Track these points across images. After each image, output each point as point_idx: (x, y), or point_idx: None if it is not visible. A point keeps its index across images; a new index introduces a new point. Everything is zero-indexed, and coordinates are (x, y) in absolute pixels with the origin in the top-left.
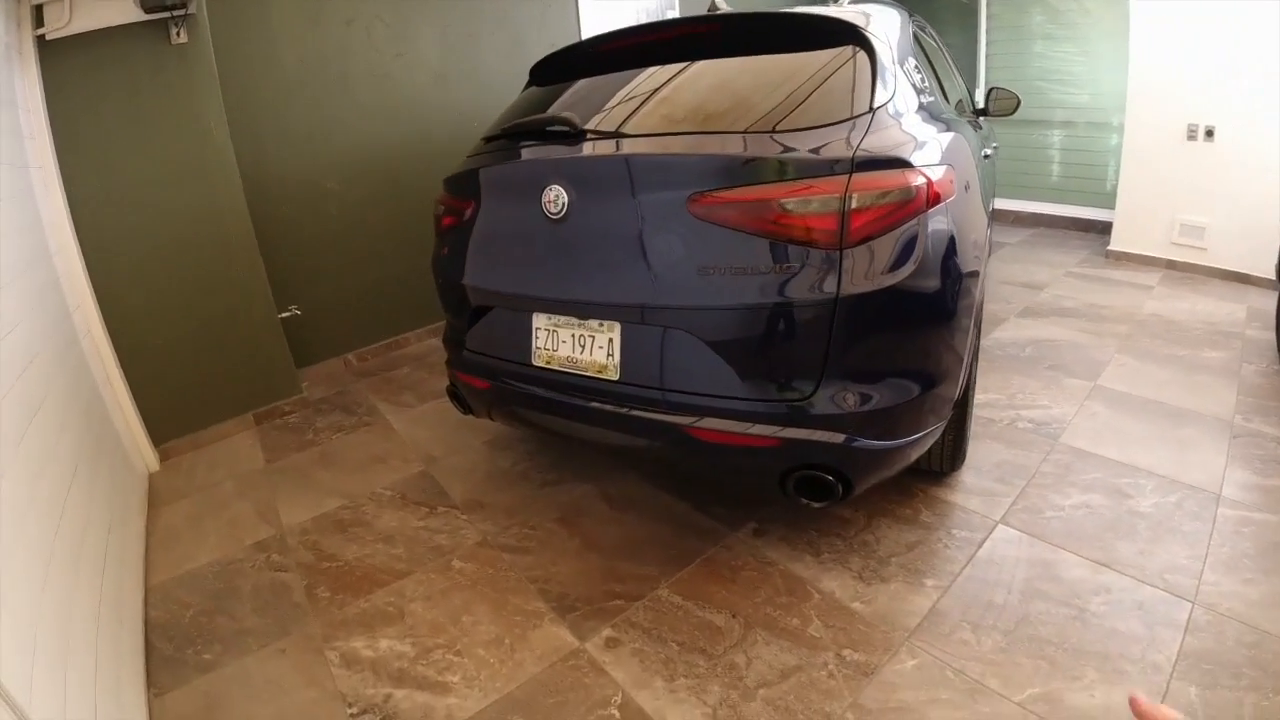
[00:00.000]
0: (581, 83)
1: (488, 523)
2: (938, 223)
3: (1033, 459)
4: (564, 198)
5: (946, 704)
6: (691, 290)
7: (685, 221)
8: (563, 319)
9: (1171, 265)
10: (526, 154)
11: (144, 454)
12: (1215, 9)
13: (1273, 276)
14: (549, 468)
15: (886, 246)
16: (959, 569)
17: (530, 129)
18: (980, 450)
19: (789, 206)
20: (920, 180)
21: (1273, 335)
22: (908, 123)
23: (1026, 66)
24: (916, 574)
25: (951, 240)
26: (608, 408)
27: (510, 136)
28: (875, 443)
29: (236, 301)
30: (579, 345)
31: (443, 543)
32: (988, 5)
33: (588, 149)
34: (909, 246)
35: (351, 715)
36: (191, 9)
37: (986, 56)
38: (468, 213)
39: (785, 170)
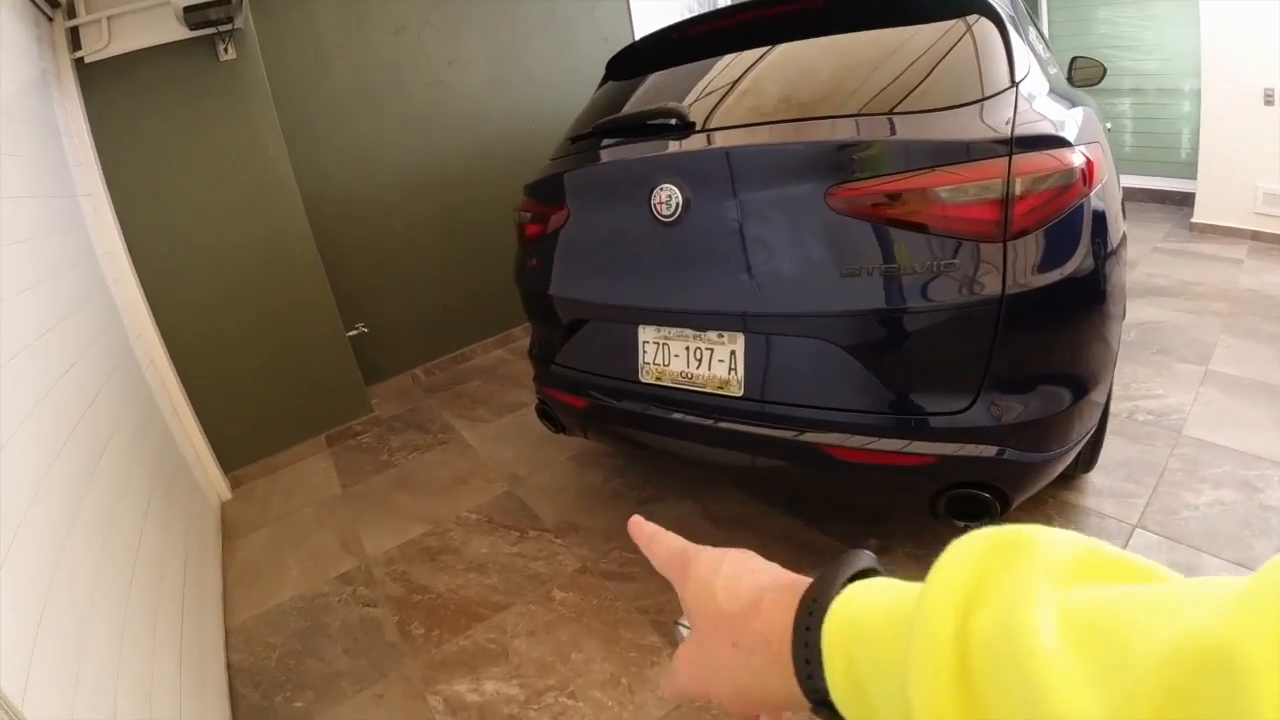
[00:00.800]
0: (666, 73)
1: (585, 547)
2: (1096, 206)
3: (1159, 454)
4: (677, 198)
5: None
6: (831, 295)
7: (823, 217)
8: (675, 331)
9: (1257, 236)
10: (627, 152)
11: (215, 483)
12: None
13: None
14: (643, 484)
15: (1052, 236)
16: None
17: (630, 124)
18: (1106, 447)
19: (945, 195)
20: (1080, 160)
21: None
22: (1048, 99)
23: (1090, 34)
24: None
25: (1107, 226)
26: (730, 426)
27: (604, 134)
28: (1031, 454)
29: (303, 323)
30: (695, 359)
31: (540, 570)
32: None
33: (700, 142)
34: (1073, 235)
35: None
36: (239, 23)
37: (1049, 25)
38: (557, 219)
39: (939, 155)
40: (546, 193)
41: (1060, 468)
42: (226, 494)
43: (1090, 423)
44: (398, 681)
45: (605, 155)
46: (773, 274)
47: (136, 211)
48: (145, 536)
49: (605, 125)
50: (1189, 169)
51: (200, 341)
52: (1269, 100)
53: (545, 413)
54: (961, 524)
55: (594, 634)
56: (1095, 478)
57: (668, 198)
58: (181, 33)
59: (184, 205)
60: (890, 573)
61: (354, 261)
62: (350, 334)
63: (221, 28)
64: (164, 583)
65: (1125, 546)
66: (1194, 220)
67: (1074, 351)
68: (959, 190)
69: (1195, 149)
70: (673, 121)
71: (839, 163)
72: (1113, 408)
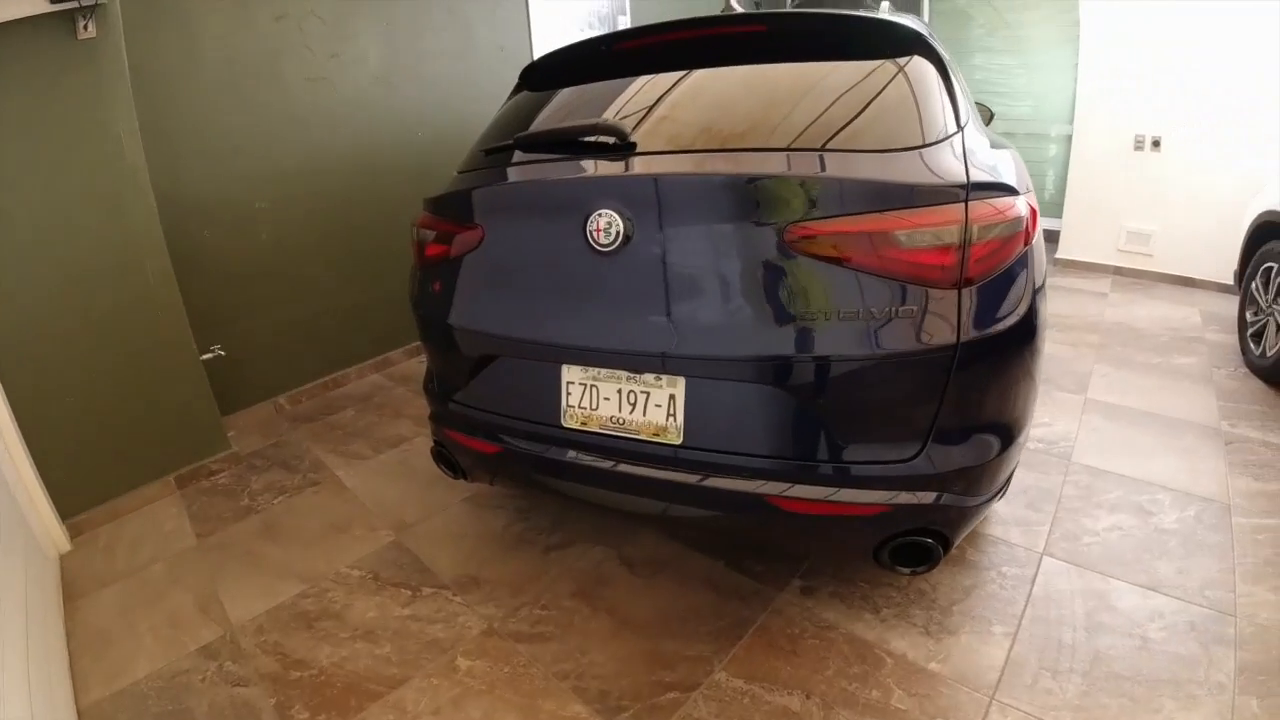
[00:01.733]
0: (589, 87)
1: (490, 604)
2: (1034, 256)
3: (1054, 481)
4: (618, 225)
5: None
6: (783, 339)
7: (779, 256)
8: (605, 372)
9: (1119, 271)
10: (555, 171)
11: (52, 532)
12: (1164, 24)
13: (1219, 280)
14: (551, 528)
15: (1002, 284)
16: (1021, 610)
17: (561, 139)
18: None
19: (904, 239)
20: (1025, 209)
21: (1232, 338)
22: (988, 145)
23: (967, 80)
24: (982, 621)
25: (1041, 274)
26: (667, 476)
27: (526, 148)
28: (967, 499)
29: (152, 344)
30: (628, 403)
31: (440, 635)
32: (927, 19)
33: (648, 166)
34: (1019, 282)
35: None
36: None
37: None
38: (467, 240)
39: (898, 197)
40: (454, 209)
41: (990, 507)
42: (65, 545)
43: (1017, 460)
44: None
45: (527, 172)
46: (719, 313)
47: None
48: None
49: (531, 138)
50: (1054, 208)
51: (33, 365)
52: (1139, 146)
53: (443, 456)
54: (907, 571)
55: (509, 707)
56: (1000, 506)
57: (606, 224)
58: (40, 6)
59: (19, 201)
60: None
61: (212, 274)
62: (205, 357)
63: (84, 2)
64: (4, 655)
65: (1035, 574)
66: (1058, 256)
67: (1011, 394)
68: (918, 234)
69: (1061, 190)
70: (612, 140)
71: (796, 200)
72: None
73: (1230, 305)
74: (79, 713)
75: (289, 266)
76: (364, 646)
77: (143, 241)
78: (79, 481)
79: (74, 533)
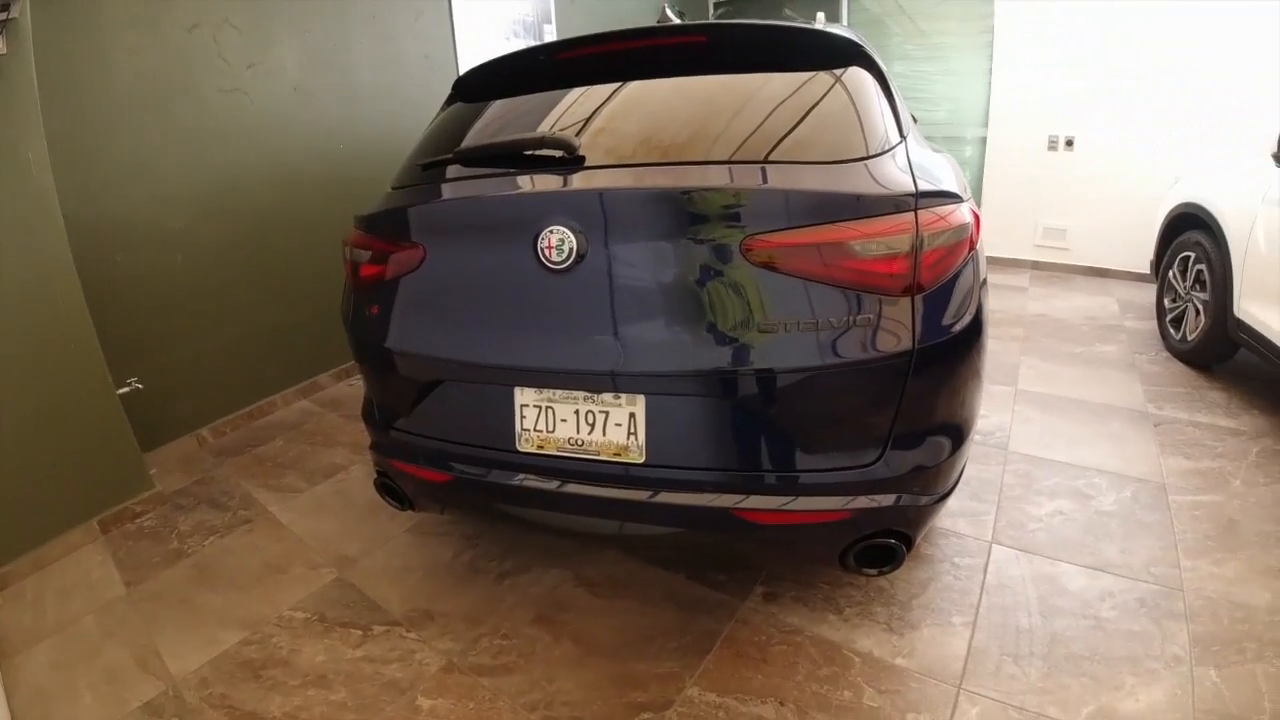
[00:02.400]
0: (525, 99)
1: (447, 638)
2: (979, 260)
3: (994, 471)
4: (571, 242)
5: None
6: (743, 352)
7: (736, 270)
8: (561, 393)
9: (1036, 265)
10: (500, 186)
11: None
12: (1075, 27)
13: (1133, 270)
14: (503, 554)
15: (951, 290)
16: (977, 599)
17: (504, 153)
18: None
19: (858, 249)
20: (969, 214)
21: (1151, 325)
22: (926, 151)
23: None
24: (941, 613)
25: (983, 278)
26: (630, 496)
27: (468, 162)
28: (924, 497)
29: (65, 379)
30: (586, 424)
31: (397, 675)
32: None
33: (599, 181)
34: (967, 288)
35: None
36: (14, 12)
37: None
38: (405, 260)
39: (847, 207)
40: (390, 227)
41: (945, 503)
42: None
43: (967, 456)
44: None
45: (469, 187)
46: (678, 329)
47: None
48: None
49: (473, 152)
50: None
51: None
52: (1053, 146)
53: (388, 488)
54: (874, 572)
55: None
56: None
57: (559, 241)
58: None
59: None
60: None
61: (126, 301)
62: (122, 391)
63: None
64: None
65: (986, 562)
66: None
67: (962, 393)
68: (871, 244)
69: (977, 190)
70: (559, 154)
71: (750, 212)
72: None
73: (1145, 293)
74: None
75: (207, 290)
76: (317, 693)
77: (52, 268)
78: (1, 531)
79: (2, 584)
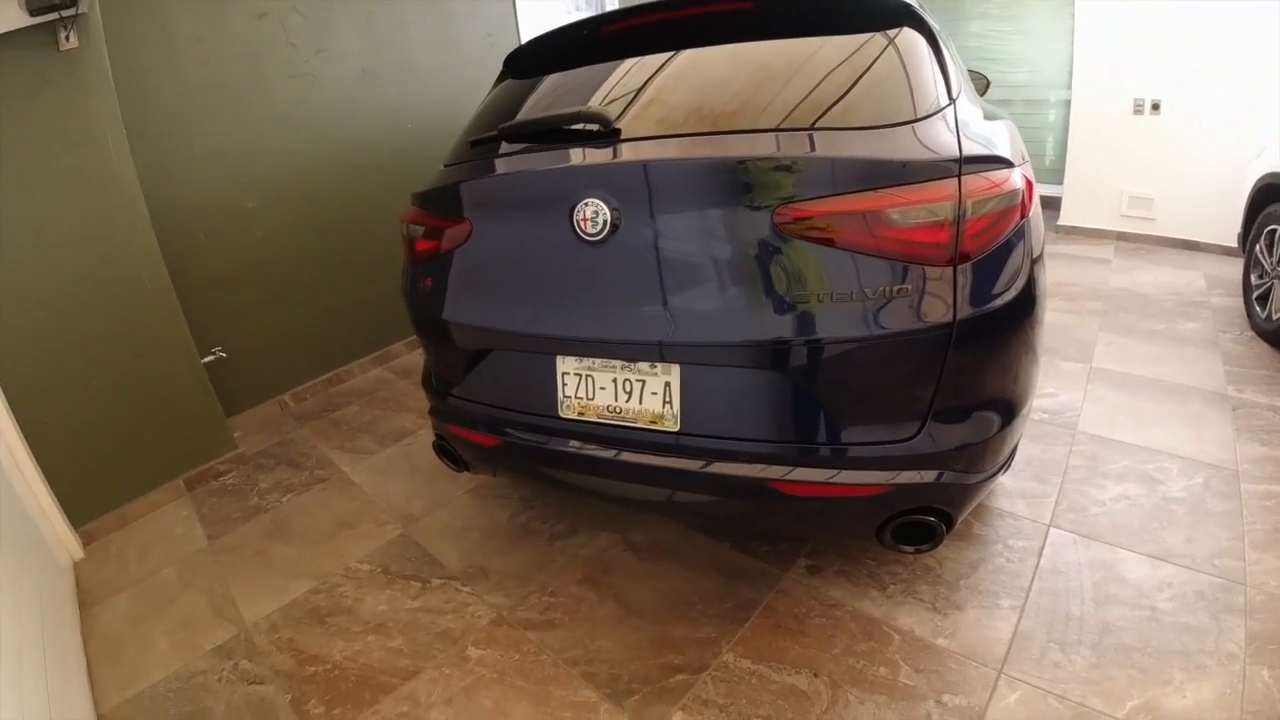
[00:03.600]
0: (575, 73)
1: (499, 594)
2: (1032, 228)
3: (1060, 452)
4: (605, 214)
5: None
6: (778, 323)
7: (769, 239)
8: (600, 362)
9: (1122, 237)
10: (540, 161)
11: (65, 541)
12: None
13: (1222, 243)
14: (556, 517)
15: (998, 258)
16: (1028, 583)
17: (545, 128)
18: None
19: (894, 217)
20: (1021, 181)
21: (1238, 301)
22: (981, 116)
23: (963, 47)
24: (989, 595)
25: (1039, 245)
26: (665, 463)
27: (510, 138)
28: (969, 475)
29: (152, 350)
30: (624, 392)
31: (450, 626)
32: None
33: (630, 153)
34: (1016, 257)
35: None
36: (83, 8)
37: None
38: (455, 235)
39: (887, 173)
40: (441, 203)
41: (994, 483)
42: (79, 552)
43: (1019, 435)
44: None
45: (513, 163)
46: (711, 299)
47: None
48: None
49: (515, 128)
50: (1054, 175)
51: (36, 378)
52: (1139, 110)
53: (445, 450)
54: (910, 549)
55: (521, 695)
56: (1005, 479)
57: (593, 214)
58: (20, 20)
59: (12, 218)
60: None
61: (207, 276)
62: (206, 360)
63: (65, 13)
64: (24, 665)
65: (1042, 547)
66: (1060, 223)
67: (1012, 369)
68: (911, 212)
69: (1061, 156)
70: (595, 127)
71: (786, 181)
72: None
73: (1234, 268)
74: (98, 718)
75: (284, 265)
76: (376, 639)
77: (136, 248)
78: (89, 490)
79: (86, 540)
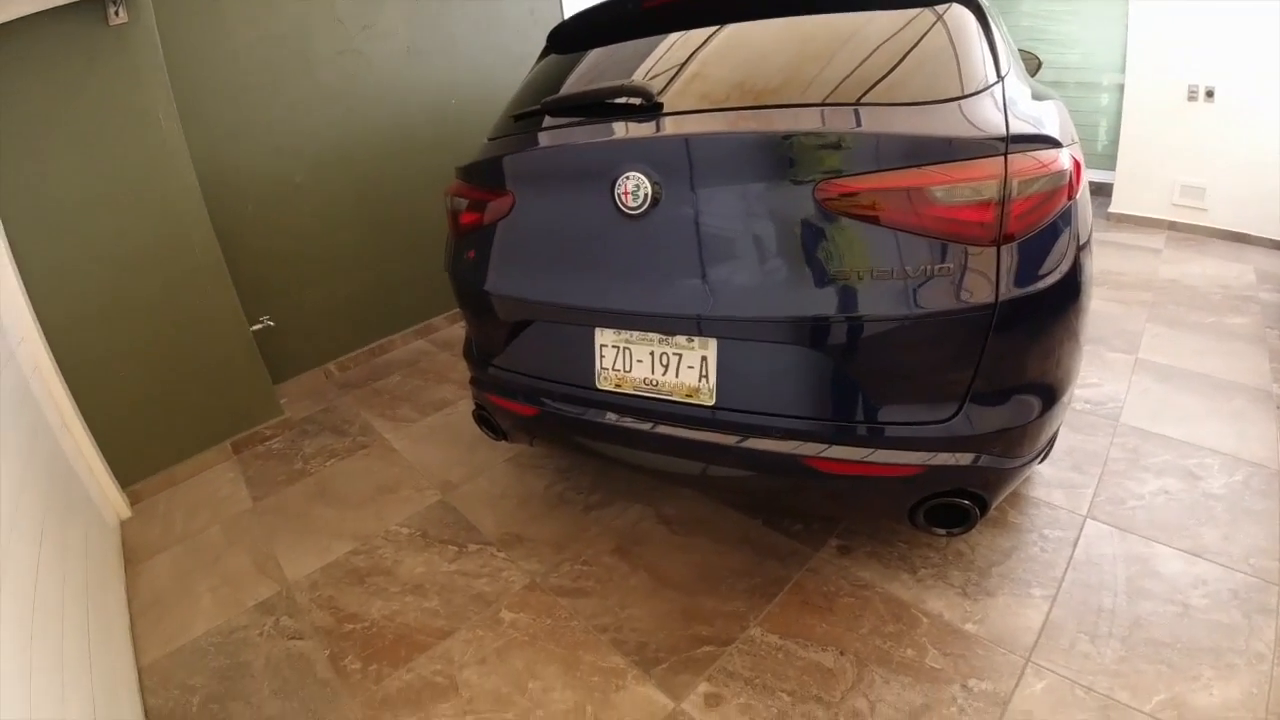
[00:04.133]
0: (618, 48)
1: (533, 560)
2: (1079, 210)
3: (1100, 443)
4: (645, 187)
5: None
6: (815, 299)
7: (810, 215)
8: (637, 335)
9: (1173, 227)
10: (582, 134)
11: (113, 500)
12: None
13: (1274, 237)
14: (590, 488)
15: (1043, 240)
16: (1061, 573)
17: (587, 102)
18: None
19: (940, 195)
20: (1069, 162)
21: None
22: (1030, 95)
23: (1014, 26)
24: (1021, 584)
25: (1084, 222)
26: (700, 437)
27: (553, 112)
28: (1006, 460)
29: (202, 318)
30: (660, 365)
31: (484, 589)
32: None
33: (672, 127)
34: (1062, 239)
35: None
36: None
37: None
38: (498, 207)
39: (935, 151)
40: (485, 176)
41: (1031, 469)
42: (126, 512)
43: (1059, 422)
44: None
45: (555, 137)
46: (750, 274)
47: (14, 198)
48: (42, 569)
49: (558, 102)
50: (1107, 160)
51: (88, 343)
52: (1193, 97)
53: (484, 419)
54: (943, 532)
55: (551, 658)
56: (1043, 468)
57: (634, 187)
58: None
59: (67, 189)
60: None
61: (256, 248)
62: (255, 328)
63: None
64: (66, 620)
65: (1077, 538)
66: (1111, 210)
67: (1053, 355)
68: (956, 190)
69: (1113, 141)
70: (638, 101)
71: (829, 156)
72: None
73: None
74: (140, 671)
75: (331, 238)
76: (413, 600)
77: (187, 219)
78: (137, 451)
79: (133, 500)
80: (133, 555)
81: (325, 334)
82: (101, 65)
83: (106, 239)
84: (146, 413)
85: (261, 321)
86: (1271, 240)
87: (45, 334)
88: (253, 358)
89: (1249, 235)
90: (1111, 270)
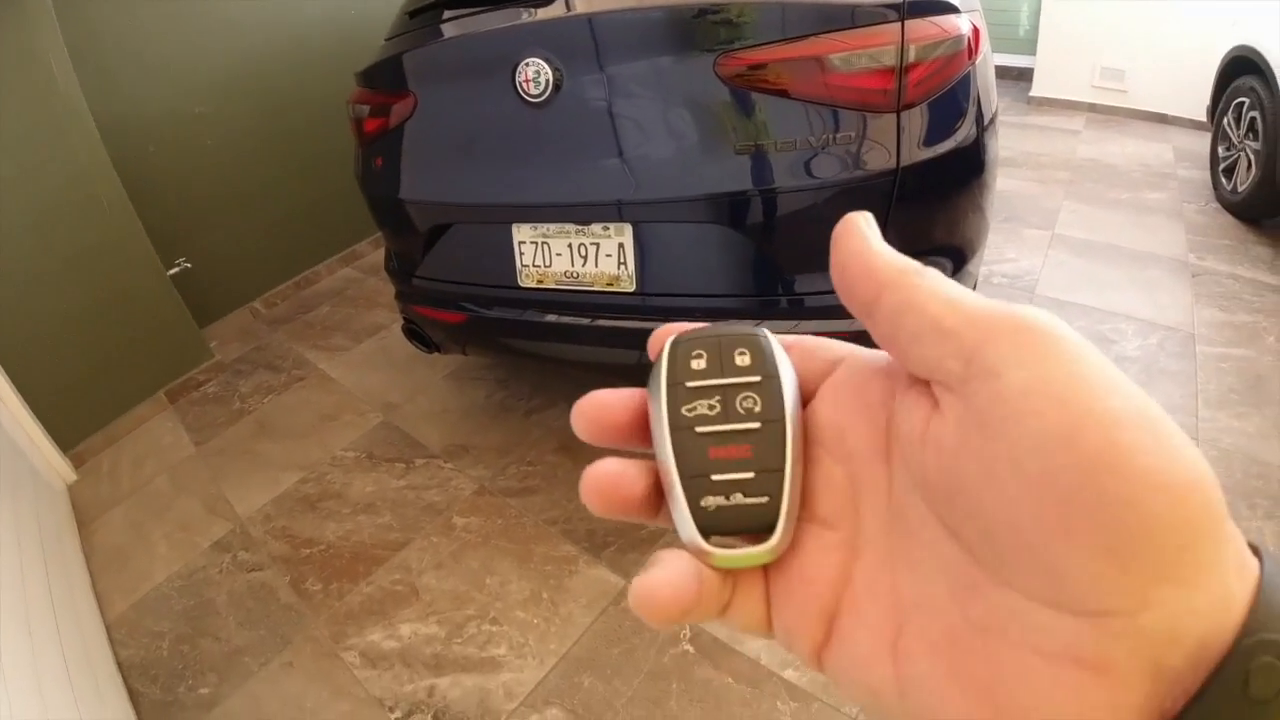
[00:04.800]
0: None
1: (480, 467)
2: (980, 75)
3: None
4: (546, 73)
5: None
6: (723, 175)
7: (711, 90)
8: (554, 227)
9: (1094, 109)
10: (480, 24)
11: (56, 465)
12: None
13: (1193, 117)
14: (530, 394)
15: (941, 106)
16: None
17: None
18: None
19: (838, 63)
20: (968, 27)
21: (1205, 174)
22: None
23: None
24: None
25: (986, 96)
26: (625, 324)
27: (448, 4)
28: None
29: (116, 268)
30: (579, 256)
31: (435, 500)
32: None
33: (565, 7)
34: (961, 104)
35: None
36: None
37: None
38: (402, 109)
39: (829, 19)
40: (385, 78)
41: None
42: (71, 476)
43: (969, 284)
44: (305, 644)
45: (453, 29)
46: (658, 156)
47: None
48: None
49: None
50: (1028, 45)
51: (7, 309)
52: None
53: (414, 332)
54: None
55: (505, 555)
56: None
57: (535, 74)
58: None
59: None
60: None
61: (164, 189)
62: (171, 272)
63: None
64: (28, 591)
65: None
66: (1032, 95)
67: (957, 223)
68: (854, 57)
69: (1034, 27)
70: None
71: (725, 29)
72: None
73: (1203, 142)
74: (108, 626)
75: (240, 170)
76: (366, 519)
77: (90, 167)
78: (73, 413)
79: (77, 462)
80: (84, 516)
81: (247, 271)
82: None
83: (8, 196)
84: (77, 373)
85: (178, 264)
86: (1191, 120)
87: None
88: (174, 303)
89: (1168, 115)
90: (1031, 151)
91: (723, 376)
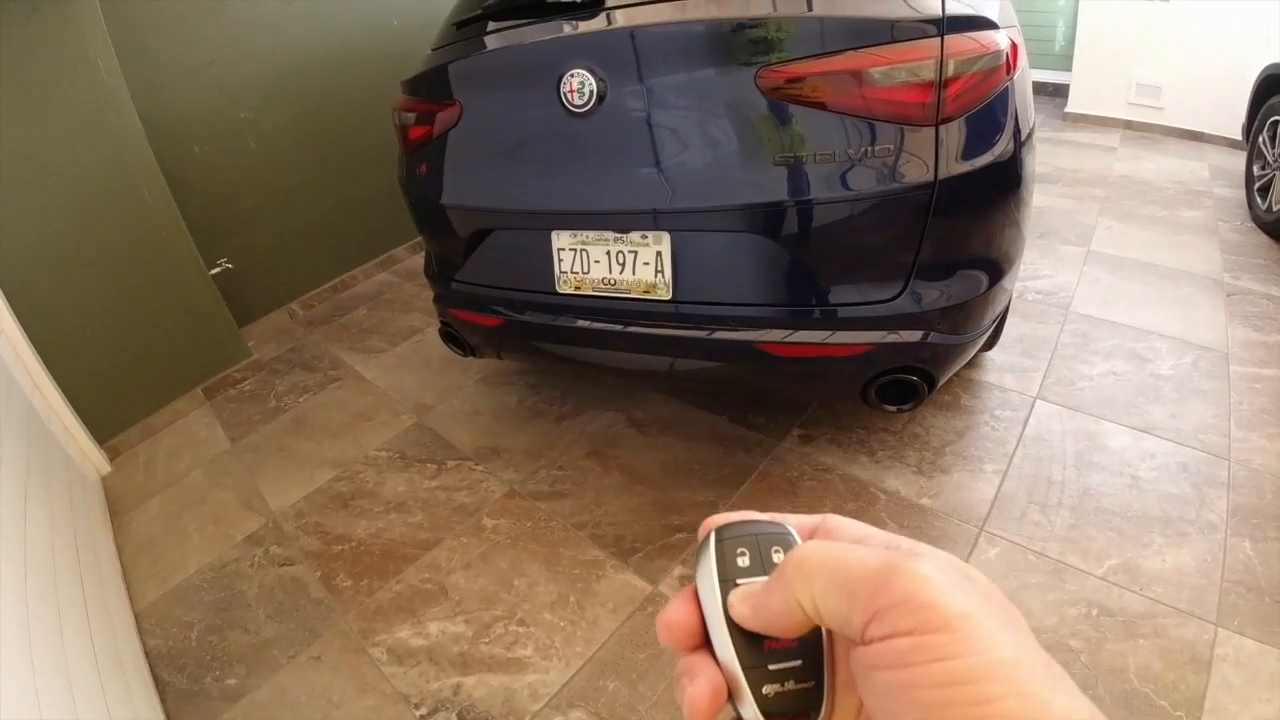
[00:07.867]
0: None
1: (510, 470)
2: (1018, 90)
3: (1051, 330)
4: (590, 84)
5: (1037, 588)
6: (762, 186)
7: (751, 102)
8: (593, 235)
9: (1129, 125)
10: (526, 35)
11: (91, 457)
12: None
13: (1228, 135)
14: (561, 399)
15: (979, 121)
16: (1012, 450)
17: (525, 3)
18: None
19: (878, 77)
20: (1007, 43)
21: (1240, 193)
22: None
23: None
24: (973, 460)
25: (1024, 112)
26: (660, 331)
27: (495, 16)
28: (953, 337)
29: (160, 265)
30: (617, 264)
31: (465, 501)
32: None
33: (612, 21)
34: (999, 119)
35: (422, 717)
36: None
37: None
38: (446, 118)
39: (870, 33)
40: (431, 87)
41: (977, 347)
42: (105, 467)
43: (1003, 304)
44: (333, 639)
45: (498, 40)
46: (698, 166)
47: None
48: (30, 529)
49: (499, 4)
50: (1063, 61)
51: (50, 302)
52: None
53: (451, 336)
54: (893, 408)
55: (533, 557)
56: (994, 355)
57: (579, 85)
58: None
59: (8, 140)
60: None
61: (207, 189)
62: (213, 272)
63: None
64: (59, 577)
65: (1027, 417)
66: (1067, 110)
67: (993, 237)
68: (894, 71)
69: (1070, 42)
70: None
71: (766, 43)
72: None
73: (1238, 160)
74: (137, 615)
75: (283, 173)
76: (397, 517)
77: (134, 165)
78: (110, 406)
79: (112, 455)
80: (118, 507)
81: (287, 272)
82: (40, 17)
83: (54, 191)
84: (116, 367)
85: (220, 265)
86: (1226, 138)
87: (5, 295)
88: (215, 301)
89: (1204, 133)
90: (1066, 168)
91: (765, 574)
